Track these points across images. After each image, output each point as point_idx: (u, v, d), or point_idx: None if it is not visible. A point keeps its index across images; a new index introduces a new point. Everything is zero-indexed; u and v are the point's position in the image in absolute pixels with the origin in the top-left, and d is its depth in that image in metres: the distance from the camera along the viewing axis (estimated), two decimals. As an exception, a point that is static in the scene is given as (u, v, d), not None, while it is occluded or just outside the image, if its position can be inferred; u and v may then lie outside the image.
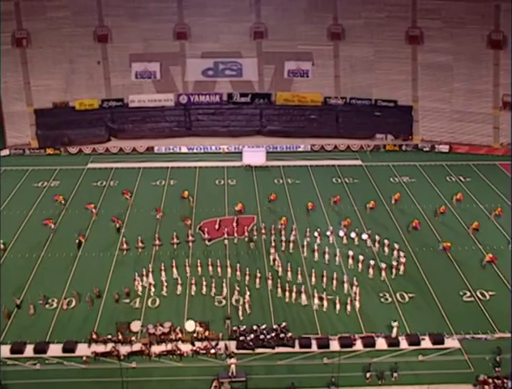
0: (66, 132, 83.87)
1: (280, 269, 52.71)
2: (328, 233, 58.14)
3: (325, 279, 50.76)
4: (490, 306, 48.43)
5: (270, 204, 65.87)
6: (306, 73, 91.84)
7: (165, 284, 49.89)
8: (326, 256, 54.44)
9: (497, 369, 41.43)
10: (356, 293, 48.99)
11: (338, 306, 47.64)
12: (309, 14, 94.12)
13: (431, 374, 41.28)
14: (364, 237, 57.85)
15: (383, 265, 52.83)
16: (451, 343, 44.37)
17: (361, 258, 53.39)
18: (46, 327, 45.81)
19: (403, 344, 44.24)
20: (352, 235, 57.67)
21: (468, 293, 50.27)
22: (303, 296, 48.58)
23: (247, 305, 47.53)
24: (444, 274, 53.13)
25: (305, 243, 56.31)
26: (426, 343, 44.29)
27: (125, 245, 57.15)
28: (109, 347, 43.39)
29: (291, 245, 56.56)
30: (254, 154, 78.53)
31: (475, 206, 66.03)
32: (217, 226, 60.34)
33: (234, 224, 59.90)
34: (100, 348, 43.45)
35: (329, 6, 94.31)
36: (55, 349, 43.43)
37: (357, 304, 48.41)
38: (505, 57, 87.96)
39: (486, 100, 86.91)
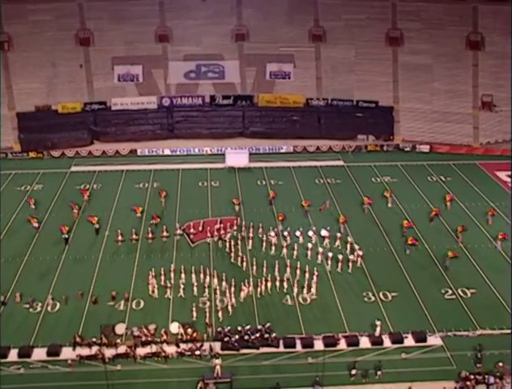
0: (48, 135, 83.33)
1: (245, 264, 53.29)
2: (298, 234, 58.58)
3: (288, 269, 52.09)
4: (471, 304, 48.81)
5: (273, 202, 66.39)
6: (288, 75, 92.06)
7: (182, 286, 49.89)
8: (295, 252, 55.60)
9: (478, 365, 41.83)
10: (315, 282, 49.92)
11: (296, 289, 49.71)
12: (290, 16, 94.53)
13: (414, 372, 41.45)
14: (324, 233, 58.15)
15: (340, 257, 53.78)
16: (434, 340, 44.67)
17: (320, 250, 55.13)
18: (30, 331, 45.44)
19: (387, 342, 44.42)
20: (310, 233, 58.25)
21: (450, 291, 50.63)
22: (268, 284, 49.88)
23: (230, 307, 47.65)
24: (426, 272, 53.47)
25: (264, 239, 57.06)
26: (409, 341, 44.53)
27: (120, 237, 57.82)
28: (94, 350, 43.15)
29: (250, 241, 57.21)
30: (237, 156, 78.45)
31: (456, 205, 66.40)
32: (201, 228, 60.24)
33: (218, 226, 59.80)
34: (85, 352, 43.15)
35: (310, 8, 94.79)
36: (39, 353, 43.08)
37: (313, 290, 49.44)
38: (483, 57, 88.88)
39: (466, 100, 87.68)
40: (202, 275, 50.82)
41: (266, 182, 72.99)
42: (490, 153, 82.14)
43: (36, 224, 60.67)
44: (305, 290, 49.56)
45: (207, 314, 46.49)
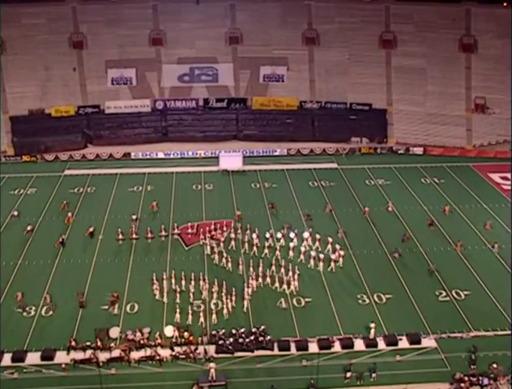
0: (42, 139, 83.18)
1: (230, 264, 53.83)
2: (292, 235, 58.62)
3: (273, 267, 53.02)
4: (465, 305, 48.88)
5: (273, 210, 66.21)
6: (281, 77, 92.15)
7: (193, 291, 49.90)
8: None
9: (472, 366, 41.86)
10: (294, 279, 50.91)
11: (277, 284, 50.85)
12: (283, 19, 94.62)
13: (408, 374, 41.54)
14: (306, 235, 58.33)
15: (321, 256, 54.37)
16: (428, 342, 44.72)
17: (303, 250, 55.95)
18: (24, 335, 45.26)
19: (381, 344, 44.46)
20: (292, 235, 58.12)
21: (444, 293, 50.73)
22: (254, 282, 50.79)
23: (226, 309, 47.57)
24: (420, 275, 53.52)
25: (254, 241, 57.46)
26: (403, 343, 44.57)
27: (120, 236, 58.59)
28: (88, 354, 43.05)
29: (232, 242, 57.77)
30: (231, 159, 78.56)
31: (449, 207, 66.44)
32: (195, 231, 60.16)
33: (212, 228, 59.71)
34: (79, 355, 43.04)
35: (303, 12, 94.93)
36: (33, 357, 42.90)
37: (293, 287, 50.36)
38: (476, 60, 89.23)
39: (459, 102, 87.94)
40: (195, 279, 50.62)
41: (261, 185, 73.03)
42: (483, 155, 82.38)
43: (29, 228, 60.70)
44: (284, 286, 50.49)
45: (188, 318, 46.49)
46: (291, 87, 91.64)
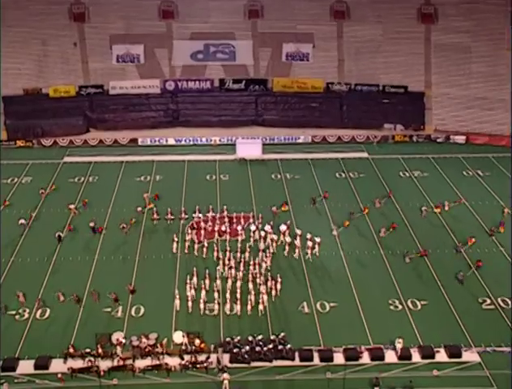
0: (38, 122, 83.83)
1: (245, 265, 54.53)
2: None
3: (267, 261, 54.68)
4: (513, 315, 48.48)
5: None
6: (306, 56, 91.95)
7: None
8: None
9: (521, 385, 41.44)
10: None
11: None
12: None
13: (447, 391, 41.27)
14: (283, 228, 58.97)
15: (297, 243, 56.50)
16: (470, 356, 44.22)
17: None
18: (16, 341, 45.37)
19: (416, 356, 44.04)
20: (267, 228, 58.78)
21: (488, 301, 50.22)
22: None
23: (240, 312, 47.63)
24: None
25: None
26: (441, 356, 44.17)
27: (155, 216, 62.43)
28: (88, 362, 43.10)
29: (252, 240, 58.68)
30: (249, 146, 78.83)
31: (496, 203, 65.90)
32: (209, 226, 60.08)
33: (227, 224, 59.83)
34: (78, 364, 43.03)
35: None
36: (26, 366, 42.93)
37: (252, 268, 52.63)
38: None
39: (508, 85, 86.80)
40: (208, 280, 50.73)
41: (281, 176, 73.04)
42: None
43: (22, 221, 60.97)
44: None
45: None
46: (317, 66, 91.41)
